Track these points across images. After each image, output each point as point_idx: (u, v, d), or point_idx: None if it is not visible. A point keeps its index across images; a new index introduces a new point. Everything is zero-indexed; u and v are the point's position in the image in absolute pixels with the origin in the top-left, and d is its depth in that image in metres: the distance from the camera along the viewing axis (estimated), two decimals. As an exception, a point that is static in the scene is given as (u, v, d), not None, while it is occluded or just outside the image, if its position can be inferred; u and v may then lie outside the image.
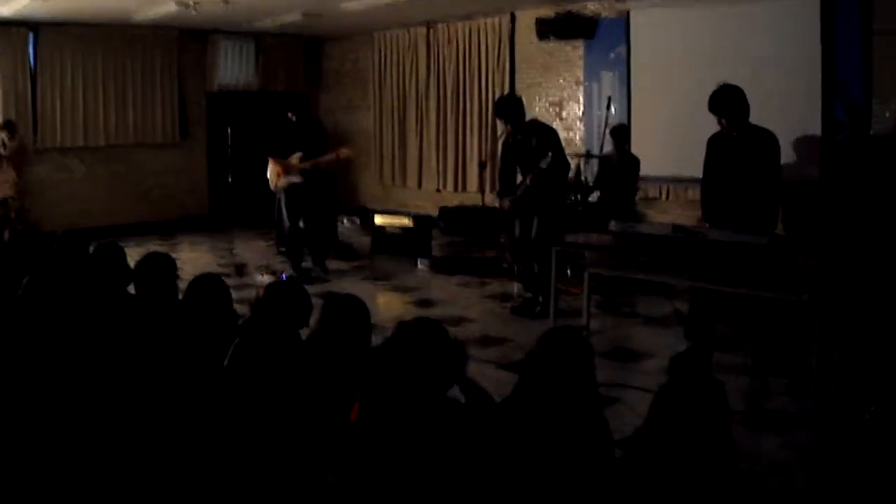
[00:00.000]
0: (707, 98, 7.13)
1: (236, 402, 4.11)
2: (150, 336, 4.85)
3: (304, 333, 4.51)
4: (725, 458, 2.77)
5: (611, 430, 3.50)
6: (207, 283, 4.98)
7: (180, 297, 5.22)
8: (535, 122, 9.58)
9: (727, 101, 7.03)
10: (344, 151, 11.34)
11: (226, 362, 4.35)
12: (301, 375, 4.05)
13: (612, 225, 7.17)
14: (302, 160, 10.99)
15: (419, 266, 11.93)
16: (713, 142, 7.36)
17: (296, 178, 11.05)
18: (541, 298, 9.01)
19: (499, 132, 13.94)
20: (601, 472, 3.19)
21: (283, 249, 12.46)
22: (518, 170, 9.29)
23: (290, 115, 11.20)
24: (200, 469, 3.93)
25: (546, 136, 9.07)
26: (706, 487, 2.70)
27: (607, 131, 11.18)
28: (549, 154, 8.70)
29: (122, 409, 4.43)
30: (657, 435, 2.80)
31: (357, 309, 4.29)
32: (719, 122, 7.13)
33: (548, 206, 9.03)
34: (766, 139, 7.04)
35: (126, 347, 4.82)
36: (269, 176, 11.34)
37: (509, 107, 9.22)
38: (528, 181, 8.93)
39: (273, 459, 3.77)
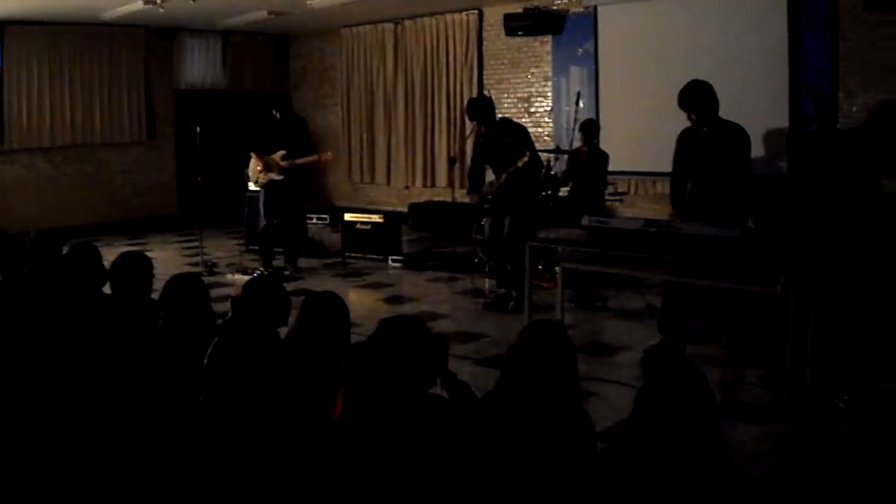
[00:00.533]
0: (675, 93, 7.16)
1: (217, 402, 4.10)
2: (128, 336, 4.83)
3: (284, 332, 4.49)
4: (712, 450, 2.79)
5: (592, 423, 3.52)
6: (186, 283, 4.96)
7: (155, 296, 5.19)
8: (507, 121, 9.63)
9: (696, 97, 7.07)
10: (326, 154, 11.38)
11: (205, 361, 4.34)
12: (282, 373, 4.05)
13: (585, 220, 7.19)
14: (284, 158, 11.00)
15: (390, 262, 11.94)
16: (683, 137, 7.39)
17: (276, 176, 11.07)
18: (514, 294, 9.05)
19: (467, 130, 14.02)
20: (584, 465, 3.21)
21: (253, 248, 12.46)
22: (489, 168, 9.32)
23: (274, 112, 11.20)
24: (182, 470, 3.93)
25: (519, 135, 9.11)
26: (693, 479, 2.72)
27: (576, 127, 11.19)
28: (528, 154, 8.76)
29: (100, 409, 4.41)
30: (645, 427, 2.82)
31: (336, 306, 4.29)
32: (689, 118, 7.17)
33: (520, 203, 9.08)
34: (737, 133, 7.09)
35: (103, 348, 4.79)
36: (249, 171, 11.34)
37: (481, 107, 9.27)
38: (503, 179, 8.96)
39: (257, 458, 3.76)
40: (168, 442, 4.08)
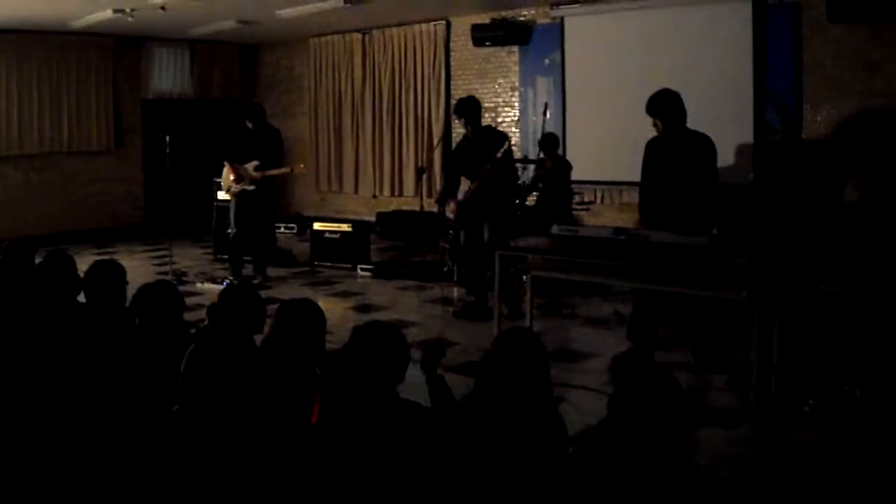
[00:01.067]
0: (641, 103, 7.27)
1: (194, 408, 4.14)
2: (104, 344, 4.86)
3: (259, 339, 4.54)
4: (684, 450, 2.86)
5: (566, 426, 3.59)
6: (159, 290, 4.98)
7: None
8: (491, 128, 9.76)
9: (663, 104, 7.18)
10: (299, 167, 11.41)
11: (182, 368, 4.37)
12: (258, 380, 4.09)
13: (555, 228, 7.28)
14: (257, 169, 11.07)
15: (359, 271, 11.99)
16: (651, 146, 7.50)
17: (248, 186, 11.15)
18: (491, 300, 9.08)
19: (435, 139, 14.11)
20: (558, 466, 3.28)
21: (222, 257, 12.48)
22: (464, 179, 9.35)
23: (247, 122, 11.27)
24: (161, 477, 3.96)
25: (500, 141, 9.18)
26: (666, 479, 2.78)
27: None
28: (507, 143, 8.97)
29: (78, 416, 4.44)
30: (618, 428, 2.88)
31: (312, 313, 4.34)
32: (654, 125, 7.27)
33: (498, 209, 9.19)
34: (703, 143, 7.20)
35: (80, 356, 4.82)
36: (223, 180, 11.41)
37: (469, 106, 9.38)
38: (487, 170, 9.00)
39: (235, 463, 3.80)
40: (145, 449, 4.11)
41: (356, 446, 3.35)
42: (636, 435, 2.81)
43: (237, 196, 11.27)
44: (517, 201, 10.76)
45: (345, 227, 12.41)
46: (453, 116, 9.45)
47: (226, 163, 11.33)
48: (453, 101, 13.57)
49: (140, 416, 4.33)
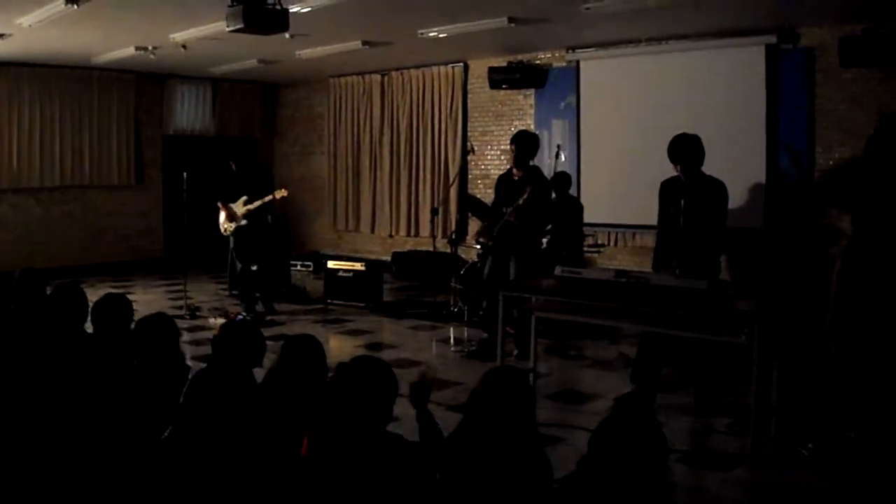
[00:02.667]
0: (655, 147, 7.36)
1: (188, 438, 4.21)
2: (106, 374, 4.96)
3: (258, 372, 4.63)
4: (660, 491, 2.92)
5: (550, 464, 3.65)
6: (155, 323, 5.10)
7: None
8: (537, 170, 9.58)
9: (683, 149, 7.27)
10: (280, 192, 11.52)
11: (181, 399, 4.46)
12: (255, 413, 4.16)
13: (558, 270, 7.33)
14: (245, 205, 11.36)
15: (371, 310, 12.07)
16: (665, 187, 7.58)
17: (241, 222, 11.48)
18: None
19: (451, 177, 14.16)
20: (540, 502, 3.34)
21: (235, 292, 12.62)
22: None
23: (230, 163, 11.68)
24: None
25: (541, 185, 9.23)
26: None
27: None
28: (528, 190, 8.87)
29: (75, 441, 4.52)
30: (595, 468, 2.95)
31: (312, 348, 4.42)
32: (675, 169, 7.37)
33: (525, 245, 9.20)
34: (715, 187, 7.28)
35: (80, 382, 4.92)
36: (220, 221, 11.62)
37: (520, 140, 9.35)
38: (508, 214, 9.07)
39: (227, 493, 3.87)
40: (136, 473, 4.18)
41: (342, 479, 3.41)
42: (611, 474, 2.88)
43: (234, 234, 11.62)
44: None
45: (358, 266, 12.49)
46: (511, 147, 9.33)
47: (219, 204, 11.65)
48: (469, 143, 13.68)
49: (134, 440, 4.41)
